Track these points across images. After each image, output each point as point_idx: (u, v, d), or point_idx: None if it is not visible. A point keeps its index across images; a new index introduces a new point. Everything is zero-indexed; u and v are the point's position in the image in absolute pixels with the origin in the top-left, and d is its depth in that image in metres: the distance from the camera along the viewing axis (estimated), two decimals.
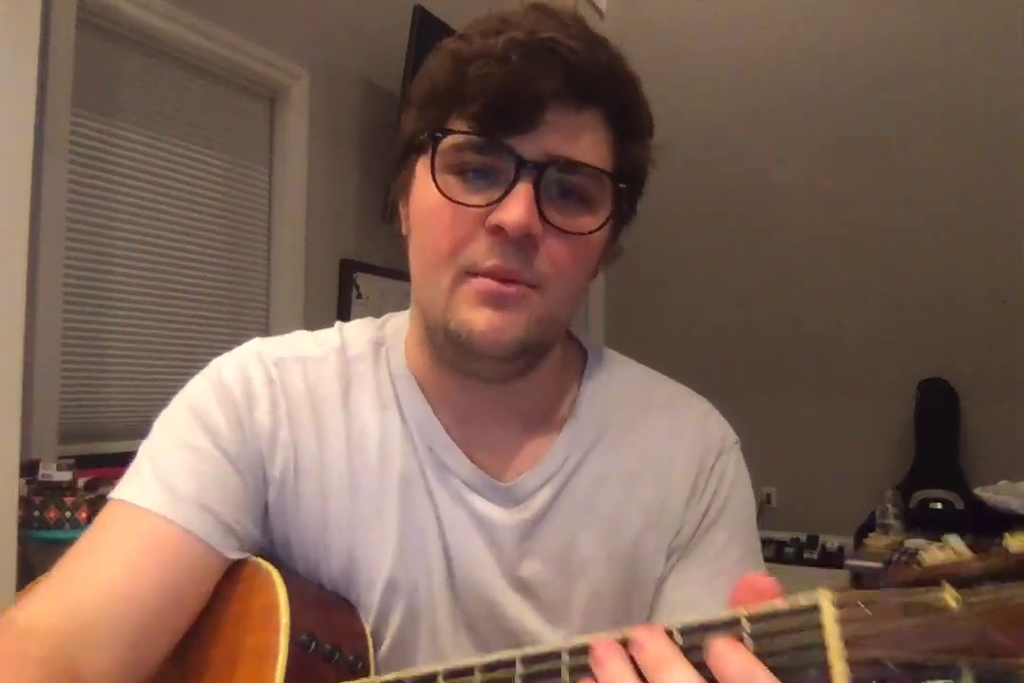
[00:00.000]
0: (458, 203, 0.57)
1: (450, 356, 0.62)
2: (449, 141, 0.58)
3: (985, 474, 3.47)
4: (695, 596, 0.65)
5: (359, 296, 2.80)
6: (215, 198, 2.40)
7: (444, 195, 0.58)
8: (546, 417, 0.68)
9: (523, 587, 0.65)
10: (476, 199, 0.57)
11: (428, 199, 0.59)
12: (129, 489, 0.61)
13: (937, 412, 3.85)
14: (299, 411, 0.66)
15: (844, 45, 4.08)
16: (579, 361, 0.72)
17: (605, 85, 0.58)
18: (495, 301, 0.57)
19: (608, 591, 0.65)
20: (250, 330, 2.49)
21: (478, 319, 0.57)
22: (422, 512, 0.65)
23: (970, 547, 2.59)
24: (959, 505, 3.57)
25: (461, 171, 0.58)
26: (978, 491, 3.09)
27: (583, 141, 0.58)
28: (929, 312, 3.91)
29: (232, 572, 0.61)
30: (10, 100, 1.49)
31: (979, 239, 3.82)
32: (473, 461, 0.65)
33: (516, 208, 0.55)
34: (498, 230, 0.56)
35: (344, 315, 2.75)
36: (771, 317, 4.20)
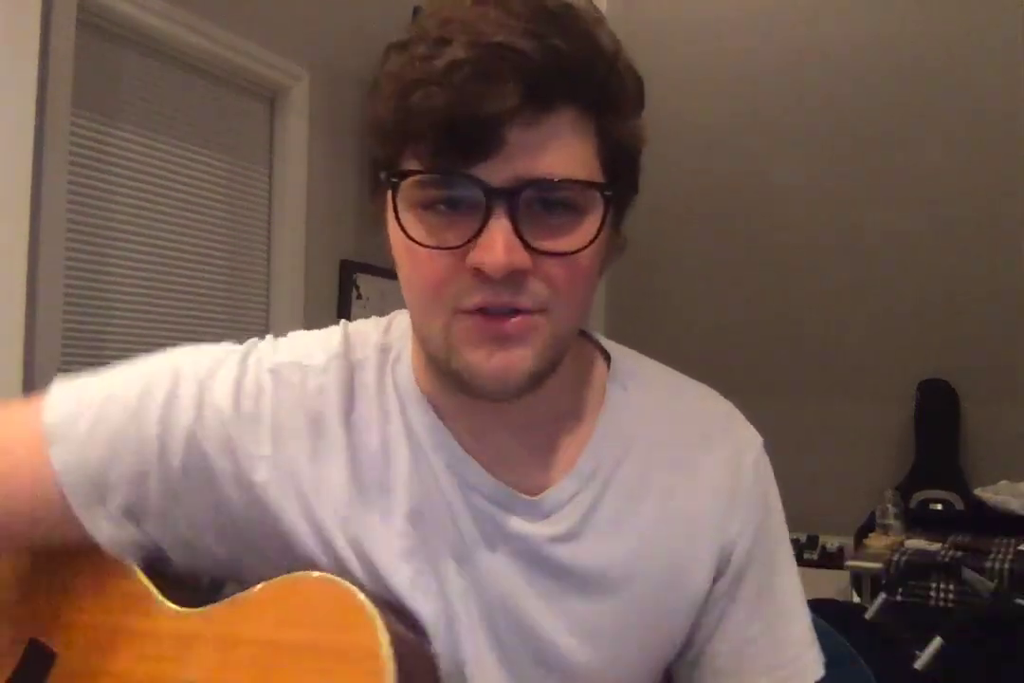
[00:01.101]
0: (433, 248, 0.53)
1: (458, 387, 0.58)
2: (408, 181, 0.53)
3: (985, 474, 3.46)
4: (751, 612, 0.65)
5: (359, 297, 2.80)
6: (215, 199, 2.40)
7: (416, 241, 0.53)
8: (570, 427, 0.64)
9: (554, 602, 0.62)
10: (450, 237, 0.52)
11: (399, 239, 0.55)
12: (60, 400, 0.64)
13: (937, 412, 3.85)
14: (291, 429, 0.62)
15: (844, 45, 4.08)
16: (601, 366, 0.68)
17: (571, 78, 0.52)
18: (496, 340, 0.53)
19: (643, 607, 0.63)
20: (250, 330, 2.49)
21: (481, 361, 0.53)
22: (441, 533, 0.61)
23: (971, 547, 2.59)
24: (959, 505, 3.57)
25: (430, 205, 0.53)
26: (978, 491, 3.09)
27: (556, 152, 0.52)
28: (929, 312, 3.91)
29: (302, 587, 0.57)
30: (10, 100, 1.50)
31: (979, 239, 3.82)
32: (494, 476, 0.62)
33: (494, 247, 0.50)
34: (480, 272, 0.51)
35: (344, 316, 2.74)
36: (771, 317, 4.20)
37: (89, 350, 2.03)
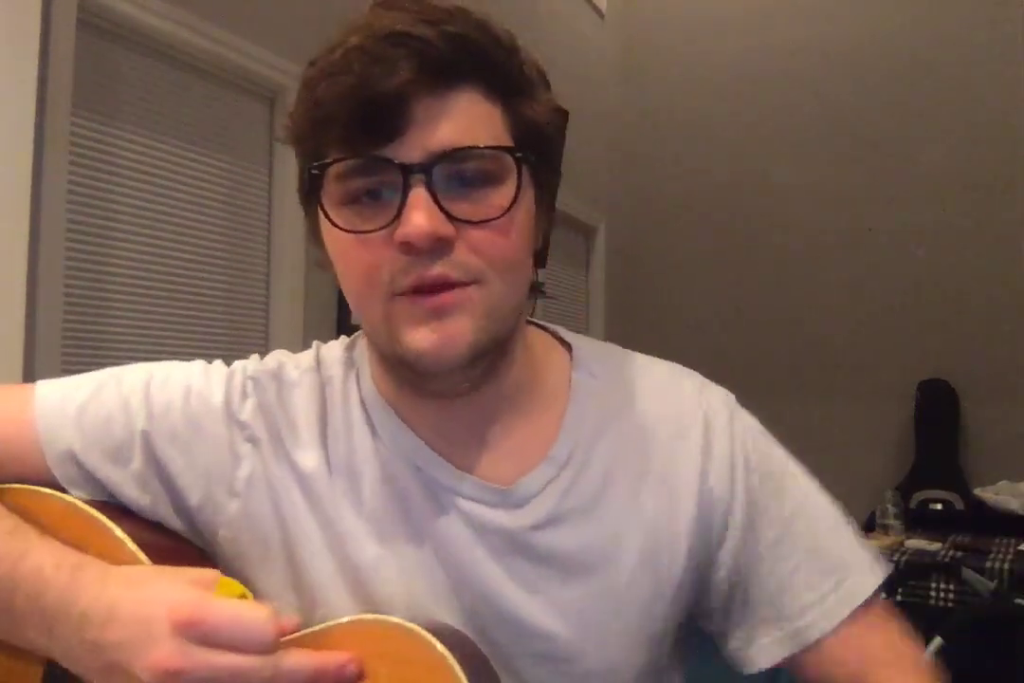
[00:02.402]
0: (360, 233, 0.55)
1: (410, 378, 0.60)
2: (329, 174, 0.55)
3: (985, 474, 3.47)
4: (776, 559, 0.63)
5: None
6: (215, 199, 2.40)
7: (344, 229, 0.55)
8: (535, 417, 0.65)
9: (538, 591, 0.62)
10: (377, 221, 0.54)
11: (333, 236, 0.57)
12: (59, 385, 0.66)
13: (937, 412, 3.85)
14: (268, 433, 0.65)
15: (845, 44, 4.08)
16: (562, 355, 0.69)
17: (467, 56, 0.54)
18: (433, 314, 0.54)
19: (628, 583, 0.63)
20: (250, 330, 2.49)
21: (421, 338, 0.54)
22: (416, 538, 0.62)
23: (971, 547, 2.59)
24: (959, 505, 3.57)
25: (355, 199, 0.55)
26: (978, 491, 3.09)
27: (462, 123, 0.54)
28: (929, 312, 3.91)
29: (372, 631, 0.55)
30: (10, 100, 1.50)
31: (980, 239, 3.82)
32: (464, 471, 0.63)
33: (416, 218, 0.52)
34: (407, 246, 0.53)
35: (344, 316, 2.75)
36: (771, 317, 4.20)
37: (89, 350, 2.02)
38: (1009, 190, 3.77)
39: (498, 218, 0.55)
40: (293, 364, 0.68)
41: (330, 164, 0.54)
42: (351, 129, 0.53)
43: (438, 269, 0.54)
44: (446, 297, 0.54)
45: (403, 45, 0.52)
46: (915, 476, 3.80)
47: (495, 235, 0.55)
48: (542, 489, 0.63)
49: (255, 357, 0.70)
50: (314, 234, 0.61)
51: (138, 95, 2.16)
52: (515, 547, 0.62)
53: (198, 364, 0.70)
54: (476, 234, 0.55)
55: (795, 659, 0.63)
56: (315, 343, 0.71)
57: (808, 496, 0.66)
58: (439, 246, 0.53)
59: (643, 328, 4.30)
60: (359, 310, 0.59)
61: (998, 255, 3.78)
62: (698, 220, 4.37)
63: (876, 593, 0.63)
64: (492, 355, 0.59)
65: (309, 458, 0.64)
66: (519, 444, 0.64)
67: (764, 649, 0.64)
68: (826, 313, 4.11)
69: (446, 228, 0.53)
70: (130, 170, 2.14)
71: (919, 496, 3.68)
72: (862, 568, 0.64)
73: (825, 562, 0.63)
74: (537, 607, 0.62)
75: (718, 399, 0.69)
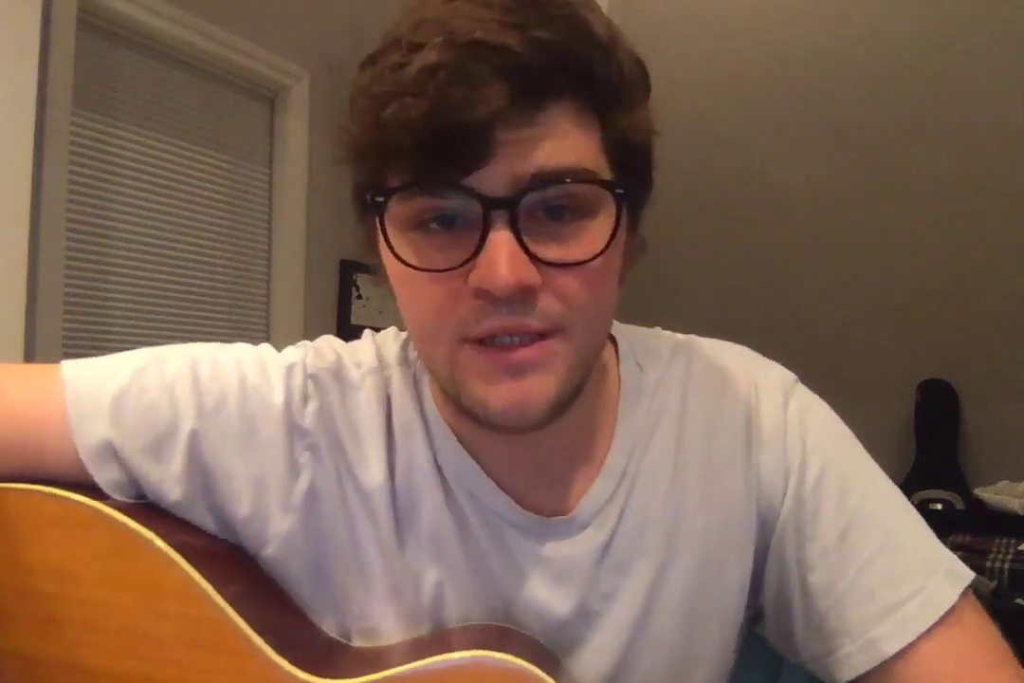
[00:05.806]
0: (425, 270, 0.47)
1: (471, 420, 0.53)
2: (395, 198, 0.48)
3: (985, 474, 3.47)
4: (836, 562, 0.56)
5: (359, 297, 2.80)
6: (215, 198, 2.40)
7: (407, 264, 0.48)
8: (596, 427, 0.59)
9: (597, 623, 0.58)
10: (447, 258, 0.47)
11: (392, 266, 0.50)
12: (94, 367, 0.60)
13: (937, 412, 3.85)
14: (331, 448, 0.59)
15: (846, 45, 4.08)
16: (609, 352, 0.62)
17: (563, 72, 0.46)
18: (511, 370, 0.48)
19: (693, 594, 0.58)
20: (250, 330, 2.49)
21: (494, 395, 0.48)
22: (475, 566, 0.58)
23: (971, 547, 2.59)
24: (959, 505, 3.57)
25: (421, 224, 0.48)
26: (978, 491, 3.09)
27: (555, 146, 0.46)
28: (929, 312, 3.91)
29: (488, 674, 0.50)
30: (10, 100, 1.50)
31: (980, 239, 3.82)
32: (522, 502, 0.57)
33: (498, 265, 0.45)
34: (484, 293, 0.46)
35: (344, 315, 2.75)
36: (770, 317, 4.20)
37: (89, 350, 2.02)
38: (1009, 190, 3.77)
39: (591, 261, 0.47)
40: (352, 361, 0.61)
41: (397, 191, 0.47)
42: (424, 159, 0.45)
43: (517, 320, 0.47)
44: (525, 354, 0.47)
45: (487, 60, 0.44)
46: (915, 476, 3.80)
47: (585, 280, 0.48)
48: (600, 509, 0.58)
49: (308, 345, 0.63)
50: (370, 243, 0.53)
51: (138, 95, 2.16)
52: (581, 575, 0.58)
53: (246, 350, 0.63)
54: (563, 278, 0.47)
55: (878, 672, 0.55)
56: (367, 333, 0.64)
57: (874, 497, 0.59)
58: (522, 296, 0.46)
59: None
60: (420, 348, 0.53)
61: (998, 255, 3.78)
62: (697, 219, 4.37)
63: (961, 599, 0.55)
64: (570, 404, 0.52)
65: (373, 473, 0.58)
66: (576, 466, 0.59)
67: (839, 662, 0.56)
68: (825, 313, 4.11)
69: (531, 276, 0.46)
70: (130, 170, 2.14)
71: (919, 496, 3.68)
72: (939, 576, 0.55)
73: (894, 570, 0.55)
74: (597, 635, 0.58)
75: (771, 381, 0.62)
